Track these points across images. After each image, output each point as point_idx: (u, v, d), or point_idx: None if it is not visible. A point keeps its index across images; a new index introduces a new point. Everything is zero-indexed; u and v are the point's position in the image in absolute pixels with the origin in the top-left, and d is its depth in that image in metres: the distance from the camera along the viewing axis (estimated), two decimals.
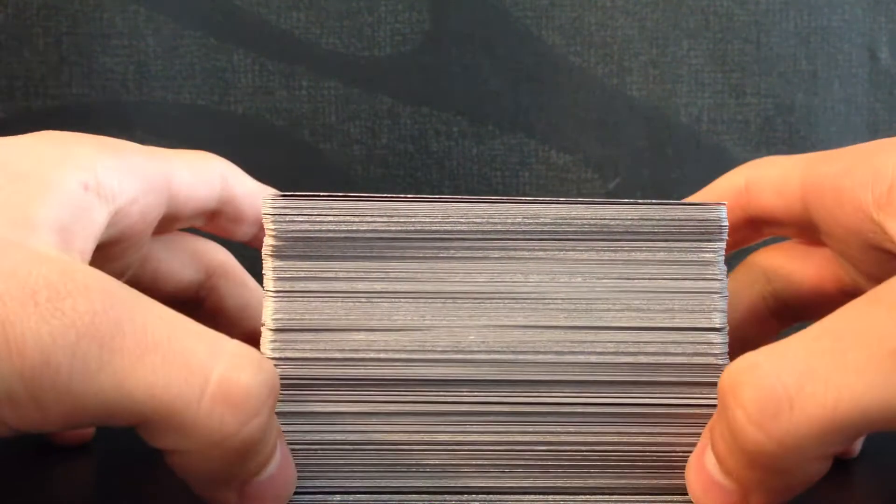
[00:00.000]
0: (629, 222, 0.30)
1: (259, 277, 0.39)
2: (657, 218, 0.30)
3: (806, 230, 0.34)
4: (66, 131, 0.32)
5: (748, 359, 0.27)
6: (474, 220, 0.30)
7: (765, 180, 0.35)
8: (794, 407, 0.26)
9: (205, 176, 0.35)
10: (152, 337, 0.26)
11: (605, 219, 0.30)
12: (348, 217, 0.30)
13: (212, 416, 0.26)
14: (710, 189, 0.36)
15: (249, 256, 0.39)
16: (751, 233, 0.36)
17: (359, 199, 0.30)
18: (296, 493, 0.30)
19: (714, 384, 0.30)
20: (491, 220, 0.30)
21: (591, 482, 0.31)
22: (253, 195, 0.37)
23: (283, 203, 0.30)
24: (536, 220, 0.30)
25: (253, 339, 0.37)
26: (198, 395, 0.26)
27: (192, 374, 0.26)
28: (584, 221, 0.30)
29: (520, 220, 0.30)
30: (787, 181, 0.34)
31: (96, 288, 0.26)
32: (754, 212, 0.35)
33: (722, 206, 0.31)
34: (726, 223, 0.31)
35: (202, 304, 0.38)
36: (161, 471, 0.35)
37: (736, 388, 0.27)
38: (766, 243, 0.38)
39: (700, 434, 0.30)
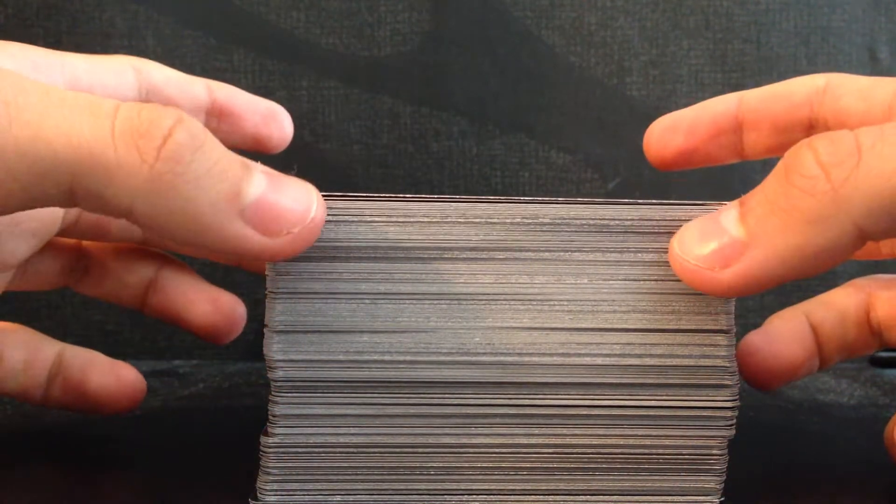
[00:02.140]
0: (629, 223, 0.30)
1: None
2: (657, 218, 0.30)
3: None
4: None
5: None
6: (479, 221, 0.30)
7: (850, 84, 0.36)
8: (861, 161, 0.27)
9: (106, 64, 0.37)
10: (55, 95, 0.27)
11: (605, 219, 0.30)
12: (352, 217, 0.30)
13: (129, 151, 0.27)
14: (783, 85, 0.37)
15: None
16: (803, 137, 0.37)
17: (363, 199, 0.30)
18: (297, 496, 0.30)
19: (720, 386, 0.30)
20: (495, 221, 0.30)
21: (595, 484, 0.31)
22: (178, 81, 0.38)
23: None
24: (536, 221, 0.30)
25: None
26: (109, 134, 0.27)
27: (99, 116, 0.27)
28: (584, 222, 0.30)
29: (519, 220, 0.30)
30: (876, 88, 0.35)
31: None
32: (825, 112, 0.36)
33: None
34: None
35: None
36: (161, 471, 0.35)
37: (813, 138, 0.28)
38: None
39: (705, 436, 0.30)
